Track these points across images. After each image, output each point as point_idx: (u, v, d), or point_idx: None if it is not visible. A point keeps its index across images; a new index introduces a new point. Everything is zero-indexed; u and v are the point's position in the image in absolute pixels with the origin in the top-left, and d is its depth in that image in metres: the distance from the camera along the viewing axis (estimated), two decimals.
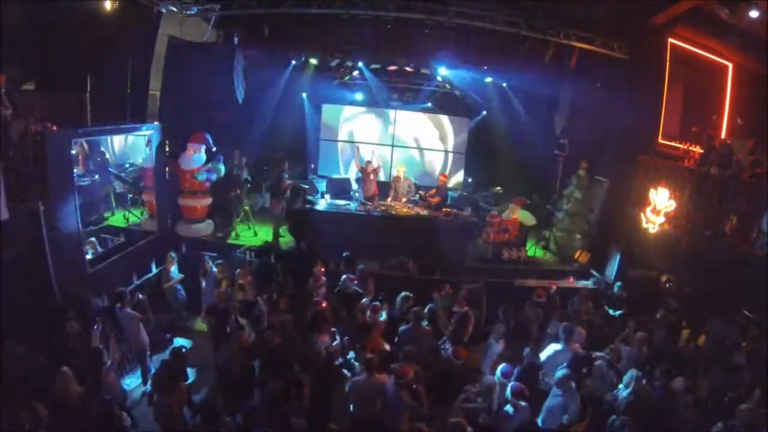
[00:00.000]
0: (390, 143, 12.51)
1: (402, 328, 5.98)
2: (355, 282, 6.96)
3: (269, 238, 9.39)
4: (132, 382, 6.29)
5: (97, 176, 9.69)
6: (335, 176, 11.58)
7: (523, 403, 4.67)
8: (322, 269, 7.43)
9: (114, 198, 10.06)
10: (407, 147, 12.57)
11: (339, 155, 12.68)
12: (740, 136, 8.40)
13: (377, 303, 6.49)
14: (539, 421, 4.94)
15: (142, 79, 9.19)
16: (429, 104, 12.34)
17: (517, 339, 6.43)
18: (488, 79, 11.62)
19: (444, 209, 9.50)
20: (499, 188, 11.80)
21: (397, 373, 4.77)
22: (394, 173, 10.59)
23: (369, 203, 9.65)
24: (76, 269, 6.63)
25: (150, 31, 9.11)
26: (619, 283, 7.93)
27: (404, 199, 9.98)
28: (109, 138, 10.36)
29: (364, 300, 6.66)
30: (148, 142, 9.30)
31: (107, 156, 10.25)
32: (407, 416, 4.68)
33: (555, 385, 4.98)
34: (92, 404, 4.38)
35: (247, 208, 9.87)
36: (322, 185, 10.65)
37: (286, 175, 9.67)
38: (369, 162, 10.16)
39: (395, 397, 4.71)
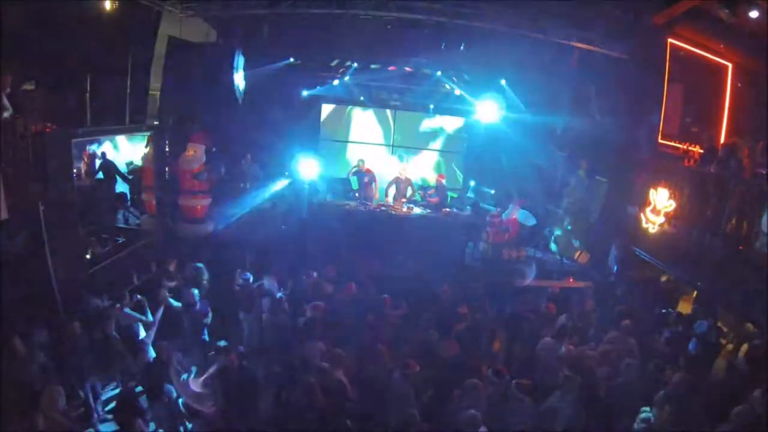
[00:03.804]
0: (390, 143, 12.50)
1: (412, 335, 6.09)
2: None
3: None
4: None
5: (96, 176, 9.68)
6: (335, 176, 11.58)
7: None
8: (332, 273, 7.46)
9: (114, 198, 10.05)
10: (407, 147, 12.56)
11: (338, 155, 12.67)
12: (740, 135, 8.39)
13: (386, 296, 6.54)
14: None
15: (142, 79, 9.18)
16: (429, 104, 12.33)
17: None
18: (488, 79, 11.62)
19: (444, 209, 9.50)
20: (496, 189, 11.79)
21: (403, 366, 4.90)
22: (396, 173, 10.59)
23: (369, 203, 9.66)
24: (76, 269, 6.62)
25: (150, 31, 9.11)
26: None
27: (404, 199, 9.99)
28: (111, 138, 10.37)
29: None
30: (148, 142, 9.31)
31: (108, 156, 10.25)
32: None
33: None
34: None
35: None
36: (322, 185, 10.65)
37: (286, 175, 9.68)
38: (362, 161, 10.16)
39: (401, 388, 4.80)
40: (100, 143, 10.35)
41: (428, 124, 12.53)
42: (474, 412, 4.23)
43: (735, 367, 5.61)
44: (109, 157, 10.20)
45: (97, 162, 10.18)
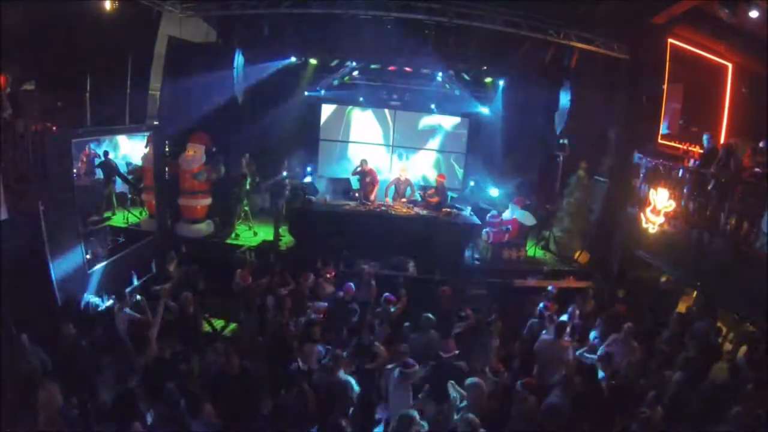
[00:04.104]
0: (389, 143, 12.51)
1: (413, 335, 6.03)
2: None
3: (269, 238, 9.40)
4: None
5: (96, 176, 9.69)
6: (335, 176, 11.59)
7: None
8: (331, 273, 7.43)
9: (114, 198, 10.07)
10: (407, 147, 12.57)
11: (338, 155, 12.68)
12: (740, 135, 8.40)
13: (389, 295, 6.60)
14: None
15: (142, 79, 9.20)
16: (429, 104, 12.34)
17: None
18: (488, 79, 11.62)
19: (444, 209, 9.49)
20: (497, 189, 11.81)
21: (403, 365, 4.92)
22: (395, 174, 10.58)
23: (369, 203, 9.66)
24: (76, 269, 6.63)
25: (150, 31, 9.12)
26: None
27: (404, 199, 9.99)
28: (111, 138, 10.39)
29: None
30: (148, 142, 9.32)
31: (110, 155, 10.26)
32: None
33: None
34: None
35: (246, 208, 9.87)
36: (322, 185, 10.65)
37: (286, 175, 9.67)
38: (365, 161, 10.17)
39: (400, 386, 4.85)
40: (100, 143, 10.38)
41: (426, 121, 12.54)
42: (472, 415, 4.23)
43: (735, 368, 5.59)
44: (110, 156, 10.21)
45: (96, 161, 10.20)
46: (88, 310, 6.33)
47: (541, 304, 7.11)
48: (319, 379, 5.05)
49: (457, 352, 5.49)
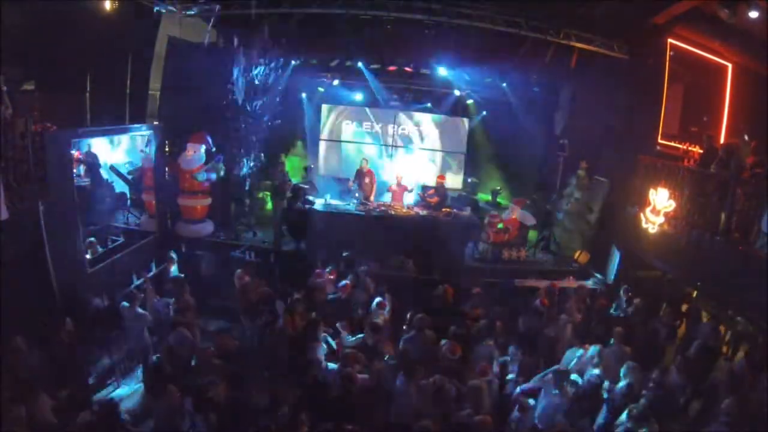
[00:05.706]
0: (389, 143, 12.50)
1: (406, 336, 6.00)
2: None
3: (269, 238, 9.40)
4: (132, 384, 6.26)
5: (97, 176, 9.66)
6: (335, 176, 11.59)
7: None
8: (331, 275, 7.42)
9: (114, 198, 10.04)
10: (407, 147, 12.57)
11: (339, 155, 12.68)
12: (740, 135, 8.38)
13: (382, 300, 6.54)
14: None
15: (142, 79, 9.20)
16: (429, 104, 12.34)
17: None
18: (488, 79, 11.62)
19: (444, 209, 9.49)
20: (498, 188, 11.83)
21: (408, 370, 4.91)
22: (394, 176, 10.58)
23: (368, 203, 9.66)
24: (76, 269, 6.63)
25: (150, 31, 9.12)
26: (626, 286, 7.87)
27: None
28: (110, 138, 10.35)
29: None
30: (148, 142, 9.31)
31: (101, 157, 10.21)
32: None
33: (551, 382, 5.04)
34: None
35: (246, 208, 9.88)
36: (322, 185, 10.66)
37: (286, 175, 9.67)
38: (366, 161, 10.17)
39: (405, 392, 4.83)
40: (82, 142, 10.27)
41: (426, 122, 12.53)
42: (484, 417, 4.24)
43: (734, 369, 5.59)
44: (102, 158, 10.14)
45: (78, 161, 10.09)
46: (87, 310, 6.32)
47: (537, 301, 7.13)
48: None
49: (459, 355, 5.47)
